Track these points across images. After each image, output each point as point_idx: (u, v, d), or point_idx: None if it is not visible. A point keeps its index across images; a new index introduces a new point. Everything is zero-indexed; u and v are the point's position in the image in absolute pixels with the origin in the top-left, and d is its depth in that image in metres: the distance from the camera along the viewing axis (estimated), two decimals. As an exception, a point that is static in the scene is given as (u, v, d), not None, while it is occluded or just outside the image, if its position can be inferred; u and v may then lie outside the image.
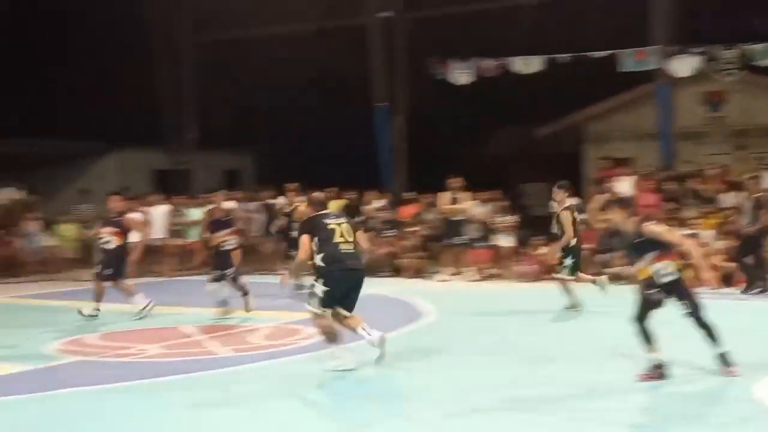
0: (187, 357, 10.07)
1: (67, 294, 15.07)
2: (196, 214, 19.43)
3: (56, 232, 20.40)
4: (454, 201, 17.86)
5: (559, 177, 13.80)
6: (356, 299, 9.35)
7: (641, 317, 8.26)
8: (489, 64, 22.12)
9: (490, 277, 17.69)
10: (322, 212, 9.45)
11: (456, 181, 17.89)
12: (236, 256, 13.15)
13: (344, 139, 28.84)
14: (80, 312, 12.75)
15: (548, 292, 13.77)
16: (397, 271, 18.41)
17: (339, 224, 9.23)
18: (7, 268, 19.03)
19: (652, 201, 17.04)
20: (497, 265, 18.04)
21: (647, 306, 8.26)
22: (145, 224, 19.22)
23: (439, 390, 8.32)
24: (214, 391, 8.44)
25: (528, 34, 24.59)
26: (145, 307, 12.94)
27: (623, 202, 8.76)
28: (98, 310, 12.83)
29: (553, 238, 16.08)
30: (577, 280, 13.22)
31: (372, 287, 16.42)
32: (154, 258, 19.46)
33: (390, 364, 9.49)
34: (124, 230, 13.17)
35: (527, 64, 21.74)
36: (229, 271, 12.86)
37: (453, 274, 17.79)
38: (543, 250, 17.55)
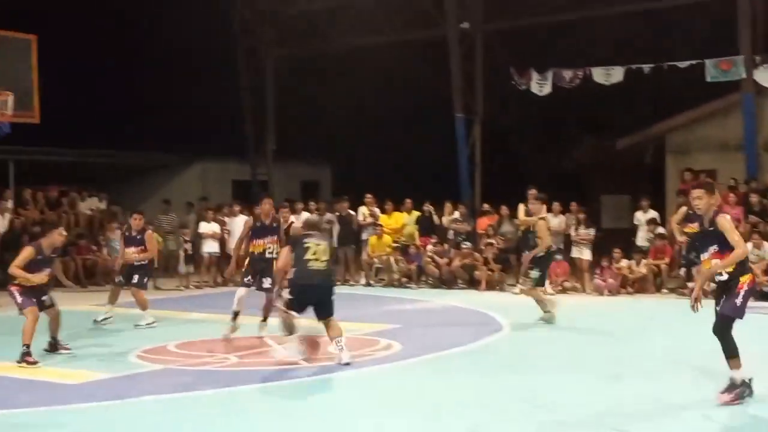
0: (266, 366, 10.16)
1: (150, 302, 15.31)
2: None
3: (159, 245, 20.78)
4: (532, 213, 17.68)
5: (639, 189, 13.64)
6: (329, 307, 10.25)
7: (724, 329, 8.00)
8: (569, 74, 21.90)
9: (567, 290, 17.49)
10: (308, 233, 10.59)
11: (534, 193, 17.72)
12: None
13: (422, 151, 28.87)
14: (143, 324, 13.12)
15: (626, 306, 13.58)
16: (473, 283, 18.33)
17: (317, 245, 10.32)
18: (91, 277, 19.48)
19: (736, 214, 16.65)
20: (574, 278, 17.83)
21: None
22: (226, 234, 19.62)
23: (514, 404, 8.25)
24: (291, 401, 8.52)
25: (609, 43, 24.33)
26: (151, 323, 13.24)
27: (709, 186, 8.36)
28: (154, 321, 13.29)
29: (637, 251, 15.86)
30: (535, 292, 13.36)
31: (448, 299, 16.54)
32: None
33: (465, 376, 9.46)
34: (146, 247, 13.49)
35: (608, 75, 21.45)
36: (267, 281, 11.87)
37: (530, 287, 17.61)
38: (622, 263, 17.32)
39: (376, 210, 19.99)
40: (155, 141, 27.90)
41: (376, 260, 19.54)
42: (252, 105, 27.53)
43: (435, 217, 19.79)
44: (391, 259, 19.27)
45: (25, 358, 10.25)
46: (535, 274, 13.27)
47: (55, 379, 9.50)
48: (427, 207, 19.82)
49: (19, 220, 19.32)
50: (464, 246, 18.74)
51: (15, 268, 10.59)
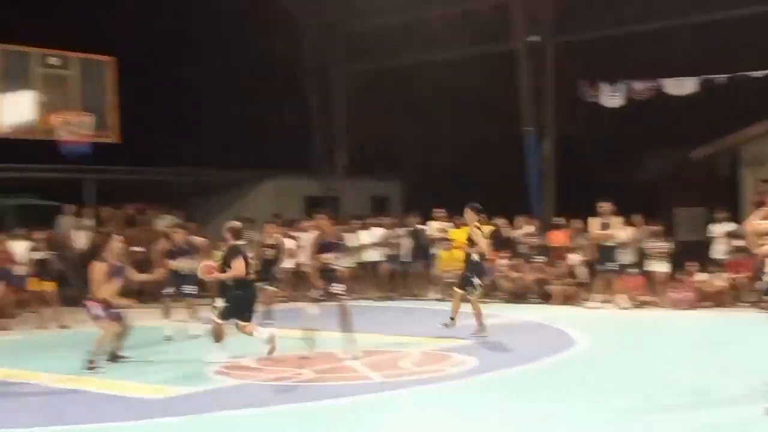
0: (340, 381, 10.24)
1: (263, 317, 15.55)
2: (346, 240, 19.77)
3: (215, 257, 21.07)
4: (605, 226, 17.53)
5: (714, 200, 13.43)
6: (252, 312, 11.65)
7: None
8: (640, 86, 21.65)
9: (643, 304, 17.26)
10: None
11: (606, 206, 17.57)
12: (346, 279, 12.38)
13: (492, 165, 28.77)
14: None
15: (705, 320, 13.36)
16: (546, 298, 18.20)
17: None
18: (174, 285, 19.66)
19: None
20: (650, 292, 17.59)
21: None
22: (297, 249, 19.82)
23: (591, 422, 8.17)
24: (368, 416, 8.56)
25: (681, 54, 23.99)
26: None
27: None
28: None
29: (713, 264, 15.57)
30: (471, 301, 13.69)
31: (520, 313, 16.44)
32: (306, 283, 19.89)
33: (539, 392, 9.40)
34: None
35: (681, 86, 21.16)
36: (338, 287, 11.87)
37: (604, 302, 17.44)
38: (699, 276, 17.04)
39: (447, 224, 19.99)
40: (228, 158, 28.33)
41: (447, 275, 19.52)
42: (322, 121, 27.79)
43: (506, 231, 19.70)
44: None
45: (91, 364, 10.86)
46: (476, 281, 13.73)
47: (135, 394, 9.69)
48: (499, 221, 19.75)
49: (99, 238, 19.75)
50: (536, 260, 18.62)
51: (102, 291, 10.94)
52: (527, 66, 24.00)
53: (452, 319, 13.61)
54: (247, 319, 11.56)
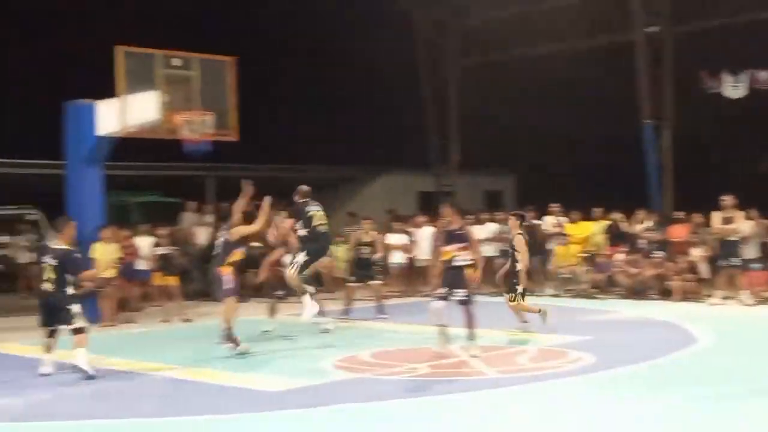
0: (456, 377, 10.24)
1: (340, 313, 15.73)
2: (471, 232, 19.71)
3: (330, 253, 21.34)
4: (727, 220, 17.01)
5: None
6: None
7: None
8: (765, 75, 20.92)
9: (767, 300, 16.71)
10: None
11: (728, 200, 17.04)
12: (472, 275, 11.80)
13: (609, 158, 28.29)
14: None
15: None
16: (665, 294, 17.78)
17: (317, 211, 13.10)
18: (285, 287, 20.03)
19: None
20: (775, 288, 17.00)
21: None
22: (412, 245, 19.92)
23: (711, 424, 7.96)
24: (484, 412, 8.55)
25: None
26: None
27: None
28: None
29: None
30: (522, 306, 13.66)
31: (639, 310, 16.11)
32: (422, 279, 19.99)
33: (658, 390, 9.22)
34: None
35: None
36: (460, 292, 11.53)
37: (726, 298, 16.93)
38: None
39: (563, 219, 19.74)
40: (342, 154, 28.68)
41: (563, 270, 19.30)
42: (435, 116, 27.80)
43: (624, 226, 19.32)
44: (579, 269, 18.97)
45: (232, 339, 11.63)
46: (520, 289, 13.70)
47: (254, 386, 9.89)
48: (616, 215, 19.38)
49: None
50: (656, 255, 18.20)
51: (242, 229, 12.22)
52: (645, 57, 23.46)
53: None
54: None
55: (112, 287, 15.83)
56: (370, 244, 16.43)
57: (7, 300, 20.46)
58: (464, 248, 11.67)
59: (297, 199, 13.40)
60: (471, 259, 11.68)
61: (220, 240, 12.51)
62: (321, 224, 13.06)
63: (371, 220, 17.14)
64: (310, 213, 13.07)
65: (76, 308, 10.80)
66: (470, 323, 11.55)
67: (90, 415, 8.72)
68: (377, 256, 16.58)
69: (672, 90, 23.92)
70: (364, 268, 16.24)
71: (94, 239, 15.81)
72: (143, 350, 12.83)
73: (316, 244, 12.99)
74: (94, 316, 15.88)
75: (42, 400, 9.46)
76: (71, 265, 10.85)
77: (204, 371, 10.88)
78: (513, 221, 13.99)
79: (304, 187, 13.52)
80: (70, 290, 10.79)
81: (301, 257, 12.83)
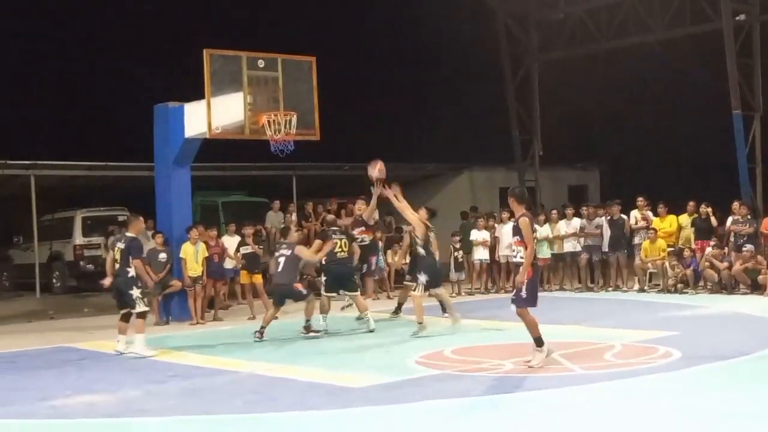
0: (541, 373, 10.17)
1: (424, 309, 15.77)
2: (544, 231, 19.62)
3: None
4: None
5: None
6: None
7: None
8: None
9: None
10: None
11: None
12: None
13: (696, 150, 27.73)
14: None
15: None
16: (756, 288, 17.35)
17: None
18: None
19: None
20: None
21: None
22: (495, 242, 19.85)
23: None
24: (566, 409, 8.49)
25: None
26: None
27: None
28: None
29: None
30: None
31: (729, 305, 15.77)
32: (504, 275, 19.93)
33: (746, 388, 9.03)
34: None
35: None
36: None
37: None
38: None
39: (649, 213, 19.42)
40: (425, 151, 28.69)
41: (649, 265, 18.99)
42: (518, 112, 27.62)
43: (713, 219, 18.92)
44: (666, 263, 18.65)
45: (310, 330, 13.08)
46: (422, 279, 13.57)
47: (339, 382, 9.99)
48: (704, 209, 18.98)
49: (302, 232, 20.49)
50: (746, 249, 17.78)
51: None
52: (734, 46, 22.90)
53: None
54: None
55: (200, 286, 16.16)
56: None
57: (100, 299, 21.06)
58: (519, 243, 10.56)
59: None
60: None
61: (282, 254, 13.67)
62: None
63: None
64: (432, 235, 14.13)
65: (136, 292, 12.27)
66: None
67: (180, 411, 8.92)
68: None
69: (761, 79, 23.32)
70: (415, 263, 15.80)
71: (183, 239, 16.17)
72: (232, 347, 13.07)
73: (432, 267, 13.88)
74: (183, 314, 16.29)
75: (132, 396, 9.72)
76: (132, 250, 12.45)
77: (290, 368, 11.03)
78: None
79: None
80: (131, 273, 12.35)
81: (423, 278, 13.60)
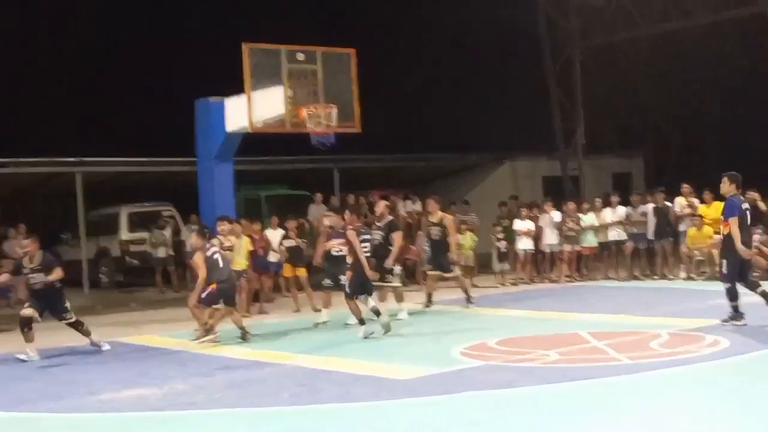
0: (587, 363, 10.11)
1: (462, 300, 15.72)
2: (588, 219, 19.46)
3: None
4: None
5: None
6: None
7: None
8: None
9: None
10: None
11: None
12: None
13: (743, 135, 27.33)
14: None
15: None
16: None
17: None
18: (410, 276, 20.11)
19: None
20: None
21: None
22: (538, 231, 19.73)
23: None
24: (615, 398, 8.42)
25: None
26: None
27: None
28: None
29: None
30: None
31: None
32: (549, 265, 19.82)
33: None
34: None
35: None
36: None
37: None
38: None
39: (695, 200, 19.16)
40: (467, 142, 28.61)
41: (696, 252, 18.75)
42: (560, 100, 27.39)
43: (760, 205, 18.59)
44: (713, 251, 18.38)
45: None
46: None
47: (384, 374, 9.99)
48: (751, 194, 18.66)
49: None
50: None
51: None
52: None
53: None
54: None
55: (245, 279, 16.24)
56: (439, 224, 15.52)
57: (146, 294, 21.31)
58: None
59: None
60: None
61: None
62: None
63: (433, 199, 15.99)
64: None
65: None
66: None
67: (227, 404, 8.98)
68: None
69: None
70: (435, 254, 15.66)
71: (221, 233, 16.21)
72: (276, 340, 13.15)
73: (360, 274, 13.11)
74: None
75: (180, 390, 9.80)
76: None
77: (335, 360, 11.06)
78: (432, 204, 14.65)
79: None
80: None
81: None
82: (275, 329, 14.23)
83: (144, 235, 22.59)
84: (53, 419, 8.80)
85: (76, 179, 22.34)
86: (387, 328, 12.69)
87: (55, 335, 13.25)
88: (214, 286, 12.64)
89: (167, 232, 21.87)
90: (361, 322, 12.79)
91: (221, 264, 12.87)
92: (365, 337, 12.57)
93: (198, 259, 12.72)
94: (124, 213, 23.44)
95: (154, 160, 23.10)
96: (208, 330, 12.66)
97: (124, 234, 23.28)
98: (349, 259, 13.17)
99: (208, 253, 12.83)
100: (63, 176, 22.89)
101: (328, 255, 14.00)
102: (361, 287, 12.91)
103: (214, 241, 13.25)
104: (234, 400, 9.19)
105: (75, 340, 12.97)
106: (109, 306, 18.90)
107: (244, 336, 12.87)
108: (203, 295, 12.70)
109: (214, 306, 12.79)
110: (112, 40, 30.99)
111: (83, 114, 30.40)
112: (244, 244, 16.18)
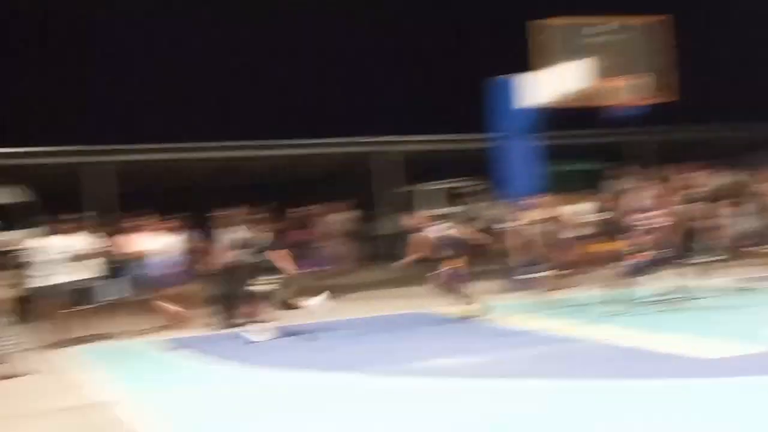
0: None
1: None
2: None
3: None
4: None
5: None
6: None
7: None
8: None
9: None
10: None
11: None
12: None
13: None
14: None
15: None
16: None
17: None
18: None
19: None
20: None
21: None
22: None
23: None
24: None
25: None
26: None
27: None
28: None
29: None
30: None
31: None
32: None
33: None
34: None
35: None
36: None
37: None
38: None
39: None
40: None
41: None
42: None
43: None
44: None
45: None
46: None
47: (684, 352, 9.64)
48: None
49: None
50: None
51: None
52: None
53: None
54: None
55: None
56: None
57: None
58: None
59: None
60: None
61: None
62: None
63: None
64: None
65: None
66: None
67: (536, 375, 9.05)
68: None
69: None
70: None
71: (524, 208, 16.31)
72: (583, 315, 13.03)
73: None
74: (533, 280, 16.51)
75: (490, 360, 10.05)
76: None
77: (643, 336, 10.79)
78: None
79: None
80: None
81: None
82: (583, 304, 14.09)
83: (447, 210, 23.24)
84: (373, 383, 9.29)
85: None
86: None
87: (378, 303, 13.88)
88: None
89: (470, 208, 22.35)
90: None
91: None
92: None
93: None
94: (441, 189, 24.25)
95: (451, 138, 23.65)
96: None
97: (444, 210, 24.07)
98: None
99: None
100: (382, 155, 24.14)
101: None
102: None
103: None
104: (542, 371, 9.25)
105: (396, 307, 13.55)
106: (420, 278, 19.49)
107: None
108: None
109: None
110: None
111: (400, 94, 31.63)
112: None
